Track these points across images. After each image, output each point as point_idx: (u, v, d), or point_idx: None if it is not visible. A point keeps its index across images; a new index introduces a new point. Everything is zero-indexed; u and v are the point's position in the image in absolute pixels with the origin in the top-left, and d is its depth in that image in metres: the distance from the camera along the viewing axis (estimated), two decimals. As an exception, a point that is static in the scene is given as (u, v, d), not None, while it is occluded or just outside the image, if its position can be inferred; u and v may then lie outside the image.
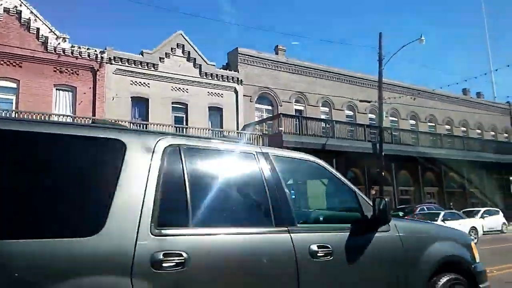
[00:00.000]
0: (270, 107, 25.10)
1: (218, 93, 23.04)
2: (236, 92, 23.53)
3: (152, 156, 2.53)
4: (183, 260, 2.33)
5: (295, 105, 25.88)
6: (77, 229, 2.16)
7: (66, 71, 18.78)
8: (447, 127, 33.61)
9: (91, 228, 2.16)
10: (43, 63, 18.20)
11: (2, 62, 17.37)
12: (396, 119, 30.41)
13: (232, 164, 3.00)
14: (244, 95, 23.74)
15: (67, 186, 2.28)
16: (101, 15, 52.81)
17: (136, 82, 20.56)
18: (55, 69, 18.50)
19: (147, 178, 2.43)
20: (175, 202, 2.56)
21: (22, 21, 18.01)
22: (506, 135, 38.49)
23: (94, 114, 18.60)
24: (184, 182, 2.56)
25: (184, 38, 22.42)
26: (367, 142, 23.11)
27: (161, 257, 2.27)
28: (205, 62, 22.85)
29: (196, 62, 22.53)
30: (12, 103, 17.48)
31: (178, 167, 2.60)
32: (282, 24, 63.36)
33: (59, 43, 18.70)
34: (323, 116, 25.99)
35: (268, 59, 25.26)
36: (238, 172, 3.02)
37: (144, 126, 19.19)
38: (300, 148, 20.59)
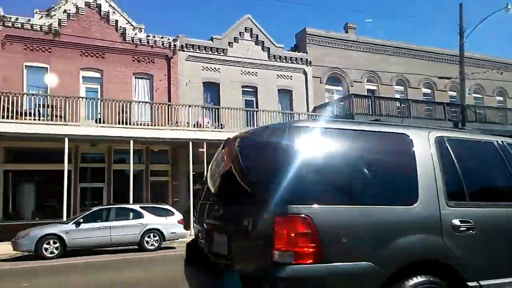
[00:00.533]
0: (340, 88, 24.44)
1: (287, 75, 22.87)
2: (305, 73, 23.20)
3: (429, 145, 3.33)
4: (472, 226, 3.19)
5: (367, 84, 24.93)
6: (404, 201, 3.05)
7: (143, 60, 19.73)
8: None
9: (411, 201, 3.05)
10: (122, 53, 19.26)
11: (86, 54, 18.66)
12: (480, 96, 28.09)
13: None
14: (313, 77, 23.34)
15: (397, 170, 3.21)
16: (172, 1, 54.63)
17: (207, 67, 21.05)
18: (133, 59, 19.50)
19: (432, 163, 3.25)
20: (456, 179, 3.34)
21: (102, 14, 19.14)
22: None
23: (169, 100, 19.40)
24: (454, 165, 3.36)
25: (252, 21, 22.46)
26: (448, 121, 21.66)
27: (458, 222, 3.15)
28: (273, 44, 22.74)
29: (265, 45, 22.50)
30: (97, 91, 18.77)
31: (447, 153, 3.39)
32: (351, 1, 60.88)
33: (135, 34, 19.64)
34: (397, 95, 24.79)
35: (337, 39, 24.51)
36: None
37: (216, 110, 19.65)
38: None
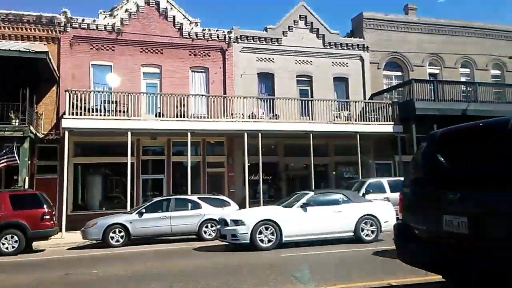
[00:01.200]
0: (400, 73, 23.40)
1: (343, 63, 22.31)
2: (362, 60, 22.48)
3: None
4: None
5: (429, 68, 23.64)
6: None
7: (199, 53, 20.22)
8: None
9: None
10: (180, 48, 19.87)
11: (146, 50, 19.49)
12: (559, 76, 25.59)
13: None
14: (370, 62, 22.55)
15: None
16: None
17: (261, 58, 21.11)
18: (190, 53, 20.06)
19: None
20: None
21: (160, 10, 19.84)
22: None
23: (224, 92, 19.78)
24: None
25: (306, 8, 22.10)
26: (520, 104, 20.02)
27: None
28: (328, 31, 22.24)
29: (319, 33, 22.08)
30: (156, 86, 19.60)
31: None
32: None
33: (192, 28, 20.14)
34: (463, 79, 23.27)
35: (396, 21, 23.40)
36: None
37: (271, 100, 19.72)
38: (435, 115, 18.88)
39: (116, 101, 17.21)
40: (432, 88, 19.94)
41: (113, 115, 16.81)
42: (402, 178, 16.11)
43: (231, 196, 16.61)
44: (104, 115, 16.79)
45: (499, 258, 3.62)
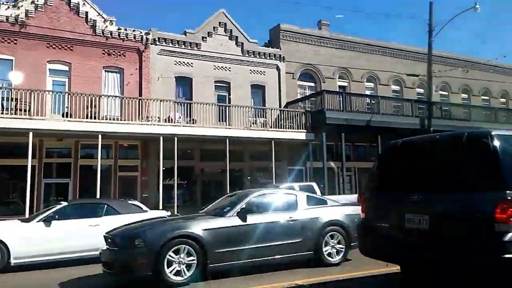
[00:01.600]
0: (313, 84, 24.71)
1: (261, 71, 22.96)
2: (278, 69, 23.34)
3: None
4: None
5: (339, 81, 25.30)
6: None
7: (113, 53, 19.41)
8: (503, 100, 31.58)
9: None
10: (92, 46, 18.90)
11: (54, 46, 18.21)
12: (446, 93, 28.94)
13: None
14: (286, 72, 23.51)
15: None
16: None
17: (180, 62, 20.90)
18: (103, 52, 19.16)
19: None
20: None
21: (71, 5, 18.70)
22: None
23: (140, 94, 19.20)
24: None
25: (226, 16, 22.39)
26: (415, 117, 22.27)
27: None
28: (247, 40, 22.76)
29: (238, 40, 22.50)
30: (65, 85, 18.37)
31: None
32: (326, -2, 61.30)
33: (106, 26, 19.29)
34: (368, 92, 25.26)
35: (311, 35, 24.73)
36: None
37: (188, 105, 19.58)
38: (343, 124, 20.25)
39: (17, 99, 15.78)
40: (341, 99, 21.32)
41: (12, 114, 15.39)
42: (312, 183, 17.10)
43: (144, 201, 16.08)
44: (2, 113, 15.30)
45: (454, 249, 4.33)
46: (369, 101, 22.57)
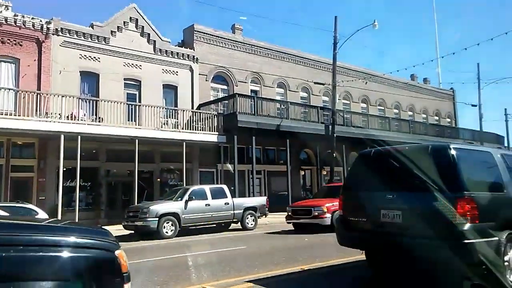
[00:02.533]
0: (225, 87, 24.94)
1: (173, 71, 22.54)
2: (191, 70, 23.13)
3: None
4: None
5: (251, 85, 25.88)
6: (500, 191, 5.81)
7: (8, 41, 17.58)
8: (395, 111, 35.08)
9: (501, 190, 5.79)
10: (-19, 31, 16.91)
11: None
12: (348, 102, 31.29)
13: None
14: (199, 74, 23.40)
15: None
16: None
17: (85, 56, 19.64)
18: (-5, 39, 17.25)
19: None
20: None
21: (-44, -16, 16.54)
22: (449, 120, 40.81)
23: (39, 88, 17.63)
24: None
25: (137, 12, 21.58)
26: (320, 123, 23.67)
27: None
28: (160, 38, 22.20)
29: (150, 38, 21.84)
30: None
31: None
32: (240, 3, 62.36)
33: (1, 11, 17.41)
34: (278, 97, 26.22)
35: (224, 38, 24.95)
36: None
37: (94, 102, 18.48)
38: (254, 128, 20.75)
39: None
40: (253, 103, 21.82)
41: None
42: (223, 186, 17.20)
43: (40, 204, 14.80)
44: None
45: (423, 237, 5.26)
46: (279, 106, 23.43)
